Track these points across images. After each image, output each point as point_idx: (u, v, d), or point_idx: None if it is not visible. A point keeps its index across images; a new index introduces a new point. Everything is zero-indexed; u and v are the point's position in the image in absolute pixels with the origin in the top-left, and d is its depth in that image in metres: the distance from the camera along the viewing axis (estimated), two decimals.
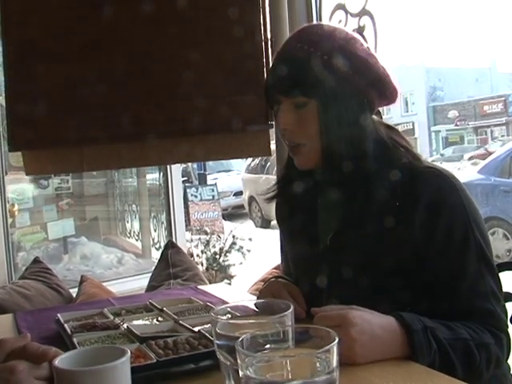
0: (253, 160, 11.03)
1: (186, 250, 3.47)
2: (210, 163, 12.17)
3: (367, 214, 1.20)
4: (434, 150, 28.04)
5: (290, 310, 0.80)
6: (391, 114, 26.38)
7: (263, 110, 1.64)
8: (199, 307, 1.40)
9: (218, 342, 0.79)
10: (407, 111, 30.39)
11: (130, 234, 5.08)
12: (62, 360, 0.76)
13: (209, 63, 1.70)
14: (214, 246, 5.44)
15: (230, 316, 0.85)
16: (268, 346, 0.69)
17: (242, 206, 11.83)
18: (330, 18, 1.91)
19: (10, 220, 3.53)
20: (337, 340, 0.64)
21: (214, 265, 5.22)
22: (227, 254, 5.37)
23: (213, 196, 8.79)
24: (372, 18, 1.77)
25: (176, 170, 4.15)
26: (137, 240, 4.94)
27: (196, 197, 8.65)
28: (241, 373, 0.63)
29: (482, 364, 1.06)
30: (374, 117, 1.27)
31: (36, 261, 2.85)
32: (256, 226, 10.64)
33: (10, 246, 3.41)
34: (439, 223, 1.14)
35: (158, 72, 1.70)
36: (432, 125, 29.63)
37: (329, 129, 1.21)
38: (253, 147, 1.78)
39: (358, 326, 0.98)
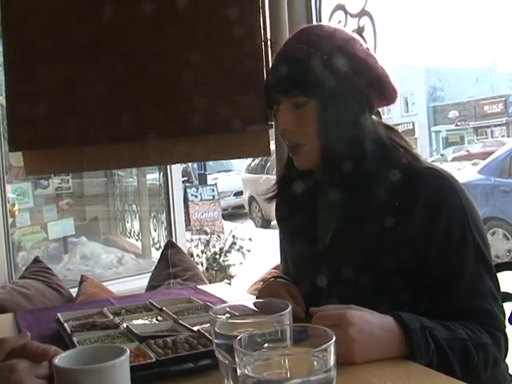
0: (253, 160, 11.03)
1: (186, 250, 3.48)
2: (210, 163, 12.17)
3: (366, 214, 1.20)
4: (434, 150, 28.03)
5: (288, 309, 0.80)
6: (391, 114, 26.39)
7: (263, 110, 1.65)
8: (199, 307, 1.41)
9: (216, 341, 0.80)
10: (407, 111, 30.39)
11: (130, 233, 5.09)
12: (61, 359, 0.77)
13: (209, 63, 1.71)
14: (214, 246, 5.44)
15: (228, 315, 0.85)
16: (266, 345, 0.69)
17: (242, 206, 11.83)
18: (330, 19, 1.91)
19: (10, 220, 3.53)
20: (334, 339, 0.64)
21: (214, 265, 5.22)
22: (227, 254, 5.37)
23: (213, 196, 8.80)
24: (371, 18, 1.77)
25: (176, 169, 4.15)
26: (137, 240, 4.94)
27: (196, 197, 8.66)
28: (238, 371, 0.64)
29: (479, 364, 1.07)
30: (374, 117, 1.28)
31: (36, 260, 2.85)
32: (256, 226, 10.64)
33: (11, 246, 3.41)
34: (438, 223, 1.15)
35: (157, 72, 1.70)
36: (432, 125, 29.62)
37: (328, 129, 1.21)
38: (252, 147, 1.79)
39: (357, 326, 0.98)
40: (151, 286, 2.64)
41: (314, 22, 1.88)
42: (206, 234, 5.82)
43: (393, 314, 1.04)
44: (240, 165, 12.80)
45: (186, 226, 5.51)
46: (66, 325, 1.29)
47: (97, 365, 0.74)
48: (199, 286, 1.89)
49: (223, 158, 2.41)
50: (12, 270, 3.34)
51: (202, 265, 5.15)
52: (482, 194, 6.50)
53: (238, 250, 5.50)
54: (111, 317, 1.35)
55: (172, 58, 1.71)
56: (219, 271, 5.15)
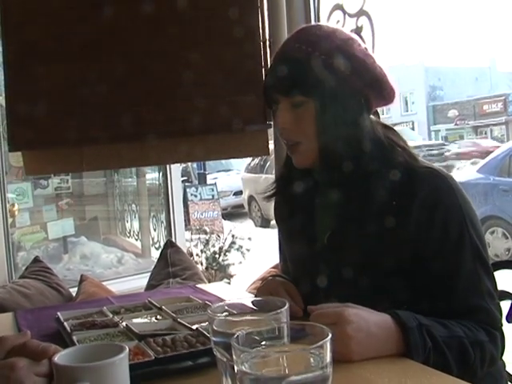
0: (252, 159, 11.04)
1: (185, 250, 3.48)
2: (209, 163, 12.18)
3: (364, 213, 1.21)
4: None
5: (286, 307, 0.81)
6: (391, 114, 26.38)
7: (262, 110, 1.65)
8: (197, 306, 1.41)
9: (214, 338, 0.80)
10: (407, 110, 30.40)
11: (129, 233, 5.09)
12: (61, 356, 0.77)
13: (209, 63, 1.71)
14: (213, 246, 5.45)
15: (227, 313, 0.86)
16: (264, 342, 0.70)
17: (241, 206, 11.83)
18: (328, 19, 1.92)
19: (10, 220, 3.53)
20: (330, 336, 0.65)
21: (214, 264, 5.23)
22: (227, 254, 5.37)
23: (212, 195, 8.80)
24: (370, 18, 1.78)
25: (175, 169, 4.15)
26: (136, 240, 4.94)
27: (196, 196, 8.66)
28: (236, 368, 0.64)
29: (476, 362, 1.07)
30: (372, 117, 1.28)
31: (36, 260, 2.85)
32: (256, 226, 10.65)
33: (10, 246, 3.41)
34: (435, 223, 1.15)
35: (157, 72, 1.70)
36: (432, 124, 29.62)
37: (326, 128, 1.22)
38: (251, 147, 1.79)
39: (354, 324, 0.99)
40: (150, 285, 2.64)
41: (313, 22, 1.88)
42: (206, 233, 5.82)
43: (390, 312, 1.05)
44: (239, 164, 12.80)
45: (186, 225, 5.51)
46: (65, 324, 1.29)
47: (96, 362, 0.75)
48: (198, 285, 1.90)
49: (222, 158, 2.41)
50: (12, 270, 3.35)
51: (202, 264, 5.15)
52: (481, 192, 6.50)
53: (238, 249, 5.50)
54: (111, 316, 1.36)
55: (172, 57, 1.71)
56: (219, 270, 5.16)
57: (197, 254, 5.26)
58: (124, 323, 1.26)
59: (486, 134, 27.01)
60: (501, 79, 31.26)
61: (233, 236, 5.62)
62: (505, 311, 1.29)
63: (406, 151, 1.24)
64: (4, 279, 3.19)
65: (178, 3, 1.65)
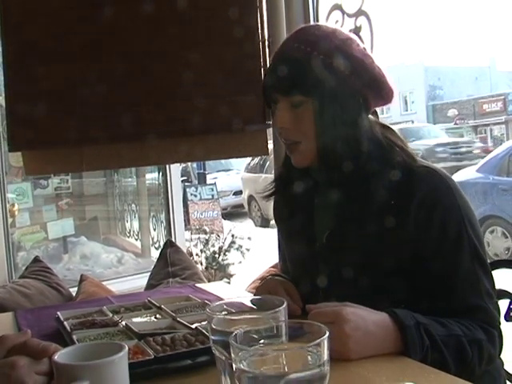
0: (252, 159, 11.03)
1: (185, 250, 3.48)
2: (209, 162, 12.17)
3: (363, 213, 1.21)
4: None
5: (283, 305, 0.81)
6: (391, 113, 26.37)
7: (261, 110, 1.65)
8: (197, 305, 1.42)
9: (213, 337, 0.80)
10: (407, 110, 30.37)
11: (129, 233, 5.09)
12: (61, 355, 0.78)
13: (208, 63, 1.71)
14: (213, 245, 5.44)
15: (225, 312, 0.86)
16: (262, 341, 0.70)
17: (241, 206, 11.83)
18: (327, 19, 1.92)
19: (10, 220, 3.54)
20: (327, 334, 0.65)
21: (214, 264, 5.23)
22: (226, 253, 5.37)
23: (212, 195, 8.79)
24: (368, 18, 1.78)
25: (175, 169, 4.15)
26: (136, 239, 4.95)
27: (195, 196, 8.66)
28: (234, 366, 0.65)
29: (474, 360, 1.08)
30: (370, 116, 1.29)
31: (36, 260, 2.85)
32: (255, 225, 10.65)
33: (10, 246, 3.41)
34: (434, 223, 1.16)
35: (157, 72, 1.70)
36: (431, 123, 29.60)
37: (325, 128, 1.22)
38: (251, 147, 1.79)
39: (352, 323, 1.00)
40: (150, 285, 2.64)
41: (312, 22, 1.89)
42: (206, 233, 5.82)
43: (388, 310, 1.06)
44: (239, 164, 12.80)
45: (186, 225, 5.52)
46: (65, 323, 1.30)
47: (96, 361, 0.75)
48: (198, 285, 1.90)
49: (222, 158, 2.41)
50: (12, 270, 3.35)
51: (202, 264, 5.16)
52: (480, 192, 6.50)
53: (237, 249, 5.50)
54: (110, 315, 1.36)
55: (172, 57, 1.71)
56: (218, 270, 5.16)
57: (196, 254, 5.26)
58: (124, 322, 1.27)
59: (485, 133, 27.00)
60: (500, 79, 31.24)
61: (232, 236, 5.62)
62: (503, 310, 1.29)
63: (405, 151, 1.25)
64: (4, 279, 3.19)
65: (178, 3, 1.65)
